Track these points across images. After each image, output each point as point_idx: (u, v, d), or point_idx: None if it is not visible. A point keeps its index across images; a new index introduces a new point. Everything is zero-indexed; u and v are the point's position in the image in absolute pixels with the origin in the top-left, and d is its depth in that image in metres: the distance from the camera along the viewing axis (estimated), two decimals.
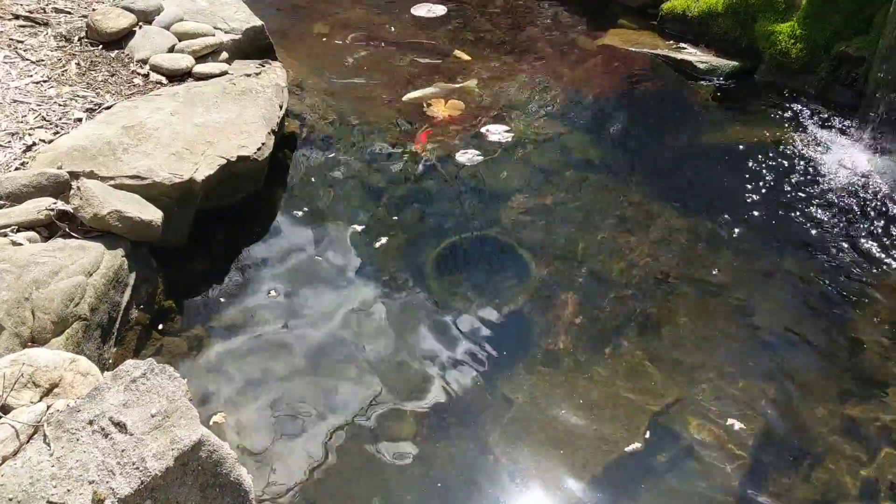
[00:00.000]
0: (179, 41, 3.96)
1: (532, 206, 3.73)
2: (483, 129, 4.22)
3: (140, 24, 4.07)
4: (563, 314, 3.16)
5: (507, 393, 2.81)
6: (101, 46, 3.92)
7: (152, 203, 3.00)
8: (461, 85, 4.13)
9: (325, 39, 5.12)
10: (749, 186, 3.81)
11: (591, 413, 2.75)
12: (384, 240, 3.49)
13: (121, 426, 1.95)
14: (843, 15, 4.35)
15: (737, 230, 3.56)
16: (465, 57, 4.37)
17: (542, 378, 2.88)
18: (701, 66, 4.73)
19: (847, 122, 4.19)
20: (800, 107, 4.39)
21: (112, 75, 3.74)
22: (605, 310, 3.18)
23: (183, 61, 3.80)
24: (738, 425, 2.71)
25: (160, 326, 2.96)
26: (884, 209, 3.62)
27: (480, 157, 4.03)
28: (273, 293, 3.19)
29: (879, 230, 3.51)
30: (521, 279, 3.32)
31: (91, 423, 1.96)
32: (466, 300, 3.21)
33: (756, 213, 3.64)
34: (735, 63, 4.72)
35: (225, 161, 3.23)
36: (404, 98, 4.40)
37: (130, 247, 2.89)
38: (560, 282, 3.31)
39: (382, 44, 5.09)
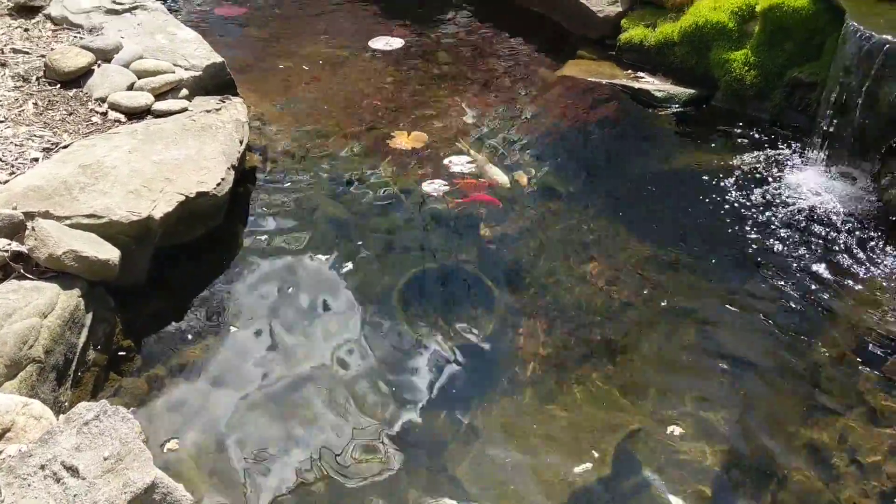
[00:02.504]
0: (139, 79, 3.94)
1: (497, 235, 3.74)
2: (446, 161, 4.24)
3: (99, 62, 4.05)
4: (529, 343, 3.17)
5: (475, 423, 2.80)
6: (59, 86, 3.90)
7: (110, 242, 2.96)
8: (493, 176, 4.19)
9: (287, 74, 5.13)
10: (709, 211, 3.86)
11: (557, 441, 2.74)
12: (348, 272, 3.48)
13: (73, 470, 1.90)
14: (795, 42, 4.46)
15: (698, 255, 3.60)
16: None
17: (509, 407, 2.87)
18: (659, 94, 4.81)
19: (801, 146, 4.28)
20: (756, 132, 4.48)
21: (70, 114, 3.71)
22: (570, 338, 3.19)
23: (142, 99, 3.79)
24: (702, 450, 2.72)
25: (119, 367, 2.92)
26: (839, 231, 3.68)
27: (446, 188, 4.04)
28: (233, 329, 3.15)
29: (835, 252, 3.57)
30: (487, 308, 3.32)
31: (43, 467, 1.92)
32: (433, 330, 3.20)
33: (716, 238, 3.69)
34: (692, 91, 4.81)
35: (184, 197, 3.21)
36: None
37: (87, 287, 2.84)
38: (525, 310, 3.31)
39: (344, 77, 5.11)
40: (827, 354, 3.09)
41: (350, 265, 3.52)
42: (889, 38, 3.69)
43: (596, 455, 2.69)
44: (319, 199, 3.93)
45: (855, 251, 3.56)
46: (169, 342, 3.07)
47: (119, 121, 3.73)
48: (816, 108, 4.24)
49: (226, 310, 3.25)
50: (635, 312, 3.31)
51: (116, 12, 4.53)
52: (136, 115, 3.79)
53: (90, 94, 3.86)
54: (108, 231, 3.00)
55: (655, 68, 5.06)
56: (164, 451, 2.63)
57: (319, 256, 3.56)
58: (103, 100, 3.82)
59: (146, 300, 3.20)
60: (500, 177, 4.12)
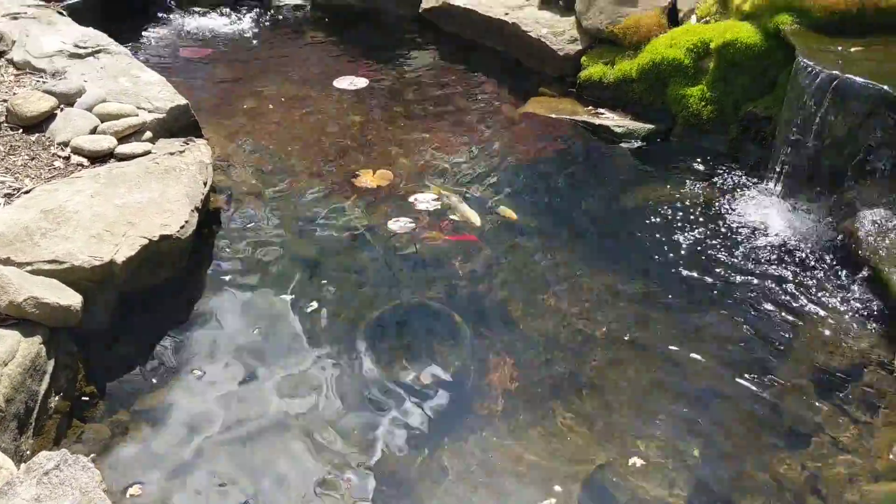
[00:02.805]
0: (102, 122, 3.94)
1: (464, 271, 3.77)
2: (412, 199, 4.28)
3: (62, 106, 4.05)
4: (497, 379, 3.19)
5: (444, 461, 2.81)
6: (21, 130, 3.89)
7: (72, 287, 2.95)
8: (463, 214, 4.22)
9: (252, 115, 5.16)
10: (671, 244, 3.94)
11: (525, 477, 2.76)
12: (315, 310, 3.49)
13: None
14: (749, 77, 4.60)
15: (660, 289, 3.66)
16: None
17: (477, 444, 2.89)
18: (618, 130, 4.91)
19: (758, 179, 4.39)
20: (713, 165, 4.58)
21: (32, 159, 3.70)
22: (538, 373, 3.22)
23: (105, 142, 3.79)
24: (667, 484, 2.75)
25: (82, 413, 2.89)
26: (795, 261, 3.77)
27: (412, 225, 4.08)
28: (198, 372, 3.14)
29: (792, 283, 3.65)
30: (455, 345, 3.34)
31: None
32: (401, 368, 3.21)
33: (679, 271, 3.76)
34: (650, 126, 4.92)
35: (147, 241, 3.21)
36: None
37: (49, 333, 2.82)
38: (493, 346, 3.34)
39: (310, 117, 5.16)
40: (788, 383, 3.15)
41: (316, 304, 3.53)
42: (837, 73, 3.81)
43: (560, 490, 2.71)
44: (285, 239, 3.95)
45: (811, 282, 3.64)
46: (133, 387, 3.05)
47: (82, 165, 3.72)
48: (771, 142, 4.36)
49: (190, 353, 3.23)
50: (599, 346, 3.35)
51: (80, 56, 4.53)
52: (99, 158, 3.78)
53: (53, 139, 3.85)
54: (70, 276, 2.99)
55: (615, 104, 5.16)
56: (127, 496, 2.60)
57: (284, 297, 3.56)
58: (66, 144, 3.82)
59: (110, 345, 3.17)
60: (473, 215, 4.16)
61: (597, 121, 5.03)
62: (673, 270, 3.76)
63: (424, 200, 4.27)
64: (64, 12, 5.32)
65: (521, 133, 5.02)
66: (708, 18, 5.00)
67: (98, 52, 4.61)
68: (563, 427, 2.97)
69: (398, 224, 4.08)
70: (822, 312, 3.47)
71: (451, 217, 4.16)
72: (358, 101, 5.40)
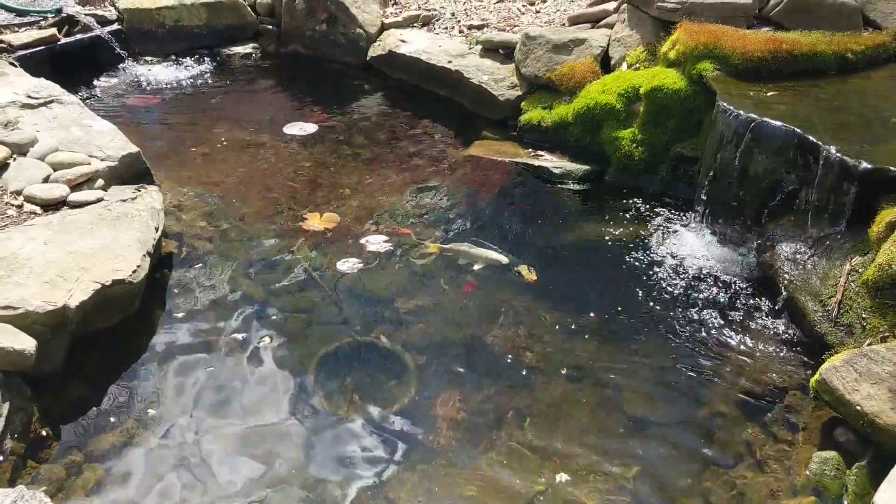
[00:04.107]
0: (54, 171, 4.03)
1: (411, 308, 3.92)
2: (363, 241, 4.42)
3: (15, 156, 4.13)
4: (444, 411, 3.32)
5: (390, 494, 2.93)
6: None
7: (26, 331, 3.03)
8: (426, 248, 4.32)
9: (203, 161, 5.28)
10: (607, 279, 4.15)
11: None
12: (266, 350, 3.60)
13: None
14: (677, 119, 4.87)
15: (598, 321, 3.85)
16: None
17: (424, 476, 3.01)
18: (556, 171, 5.15)
19: (687, 216, 4.64)
20: (645, 203, 4.83)
21: None
22: (483, 404, 3.36)
23: (57, 191, 3.88)
24: (611, 501, 2.91)
25: (37, 454, 2.94)
26: (721, 293, 4.00)
27: (361, 265, 4.22)
28: (152, 412, 3.22)
29: (719, 311, 3.88)
30: (403, 380, 3.48)
31: None
32: (349, 404, 3.33)
33: (614, 304, 3.95)
34: (586, 167, 5.16)
35: (100, 286, 3.30)
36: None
37: (2, 377, 2.89)
38: (440, 381, 3.49)
39: (259, 162, 5.30)
40: (718, 408, 3.35)
41: (267, 343, 3.64)
42: (754, 115, 4.08)
43: None
44: (235, 282, 4.06)
45: (736, 311, 3.87)
46: (87, 428, 3.12)
47: (35, 213, 3.80)
48: (698, 180, 4.61)
49: (144, 394, 3.32)
50: (542, 376, 3.51)
51: (32, 106, 4.63)
52: (51, 206, 3.87)
53: (6, 188, 3.93)
54: (24, 321, 3.07)
55: (554, 147, 5.40)
56: None
57: (236, 336, 3.67)
58: (19, 192, 3.90)
59: (64, 387, 3.25)
60: (497, 256, 4.24)
61: (536, 162, 5.26)
62: (609, 303, 3.96)
63: (375, 242, 4.42)
64: (16, 63, 5.41)
65: (466, 175, 5.22)
66: (637, 65, 5.28)
67: (50, 102, 4.71)
68: (507, 455, 3.11)
69: (347, 265, 4.21)
70: (747, 339, 3.69)
71: (475, 268, 4.22)
72: (307, 147, 5.56)
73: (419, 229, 4.57)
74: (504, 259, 4.22)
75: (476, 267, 4.20)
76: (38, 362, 3.03)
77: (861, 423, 2.89)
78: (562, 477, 3.02)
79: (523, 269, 4.21)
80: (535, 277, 4.14)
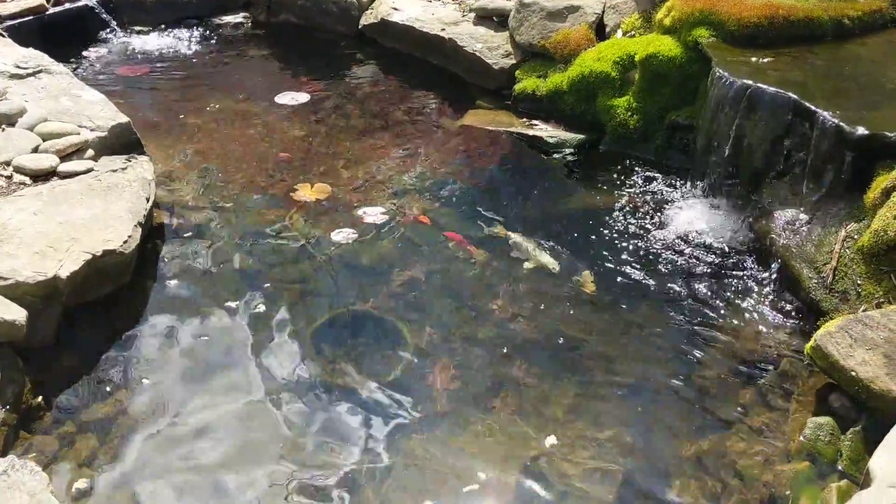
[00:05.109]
0: (44, 141, 3.99)
1: (406, 279, 3.90)
2: (360, 212, 4.39)
3: (3, 126, 4.09)
4: (439, 380, 3.32)
5: (386, 461, 2.93)
6: None
7: (16, 302, 3.01)
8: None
9: (194, 131, 5.24)
10: (602, 246, 4.14)
11: (465, 472, 2.90)
12: (260, 321, 3.59)
13: None
14: (672, 87, 4.82)
15: (594, 287, 3.84)
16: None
17: (420, 443, 3.02)
18: (551, 140, 5.11)
19: (682, 184, 4.61)
20: (641, 172, 4.80)
21: None
22: (479, 373, 3.36)
23: (46, 161, 3.84)
24: (604, 468, 2.93)
25: (29, 425, 2.94)
26: (716, 260, 4.00)
27: (355, 236, 4.20)
28: (146, 382, 3.21)
29: (714, 278, 3.88)
30: (398, 349, 3.48)
31: None
32: (345, 374, 3.33)
33: (611, 271, 3.95)
34: (581, 136, 5.12)
35: (90, 256, 3.28)
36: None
37: None
38: (435, 350, 3.48)
39: (251, 132, 5.25)
40: (711, 373, 3.35)
41: (261, 314, 3.62)
42: (750, 82, 4.05)
43: (503, 480, 2.88)
44: (228, 252, 4.04)
45: (731, 279, 3.87)
46: (79, 399, 3.11)
47: (24, 183, 3.77)
48: (694, 148, 4.59)
49: (136, 364, 3.31)
50: (536, 345, 3.51)
51: (20, 77, 4.56)
52: (41, 177, 3.83)
53: None
54: (15, 292, 3.05)
55: (548, 116, 5.36)
56: (73, 490, 2.70)
57: (229, 305, 3.66)
58: (8, 163, 3.86)
59: (56, 358, 3.24)
60: (551, 262, 4.03)
61: (531, 132, 5.22)
62: (605, 271, 3.96)
63: (373, 214, 4.39)
64: (4, 34, 5.34)
65: (460, 145, 5.18)
66: (633, 32, 5.23)
67: (39, 72, 4.65)
68: (502, 422, 3.12)
69: (341, 235, 4.19)
70: (741, 307, 3.69)
71: (525, 266, 4.04)
72: (299, 116, 5.51)
73: (411, 200, 4.54)
74: (556, 267, 4.00)
75: (526, 265, 4.05)
76: (30, 333, 3.02)
77: (856, 388, 2.89)
78: (554, 442, 3.03)
79: (585, 276, 3.94)
80: (594, 288, 3.89)
